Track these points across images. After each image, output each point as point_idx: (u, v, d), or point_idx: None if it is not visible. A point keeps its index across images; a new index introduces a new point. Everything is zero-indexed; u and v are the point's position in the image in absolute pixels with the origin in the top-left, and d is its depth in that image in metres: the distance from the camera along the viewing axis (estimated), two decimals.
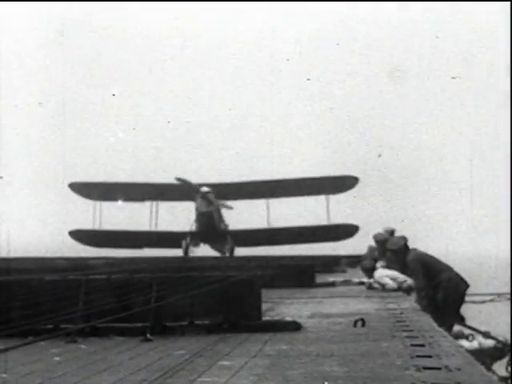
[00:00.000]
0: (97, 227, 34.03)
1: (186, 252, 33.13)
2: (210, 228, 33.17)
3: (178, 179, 32.50)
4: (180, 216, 35.14)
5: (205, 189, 32.69)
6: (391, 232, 17.24)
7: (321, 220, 34.00)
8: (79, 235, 34.18)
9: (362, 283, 17.22)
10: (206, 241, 34.15)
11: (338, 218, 33.86)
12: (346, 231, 33.69)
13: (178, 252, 32.82)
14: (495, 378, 13.85)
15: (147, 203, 34.33)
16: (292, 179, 34.11)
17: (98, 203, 34.06)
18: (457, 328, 14.83)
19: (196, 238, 33.72)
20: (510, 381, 14.90)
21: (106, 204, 34.33)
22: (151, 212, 34.14)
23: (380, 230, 17.76)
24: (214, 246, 34.43)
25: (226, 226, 34.29)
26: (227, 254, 33.41)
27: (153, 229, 34.18)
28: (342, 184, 34.04)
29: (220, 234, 33.71)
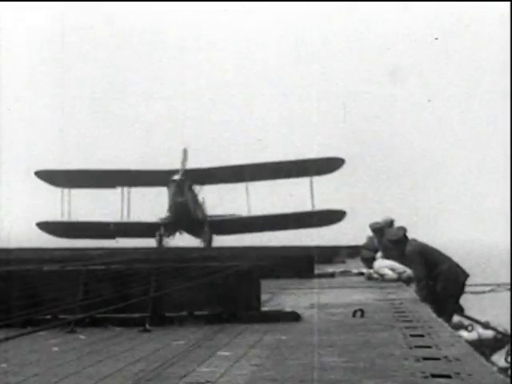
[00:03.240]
0: (66, 216, 32.74)
1: (159, 243, 31.84)
2: (184, 218, 31.78)
3: (184, 150, 31.15)
4: (153, 203, 33.79)
5: (177, 177, 31.29)
6: (390, 222, 17.24)
7: (305, 204, 32.74)
8: (47, 227, 32.95)
9: (361, 274, 17.22)
10: (180, 231, 32.83)
11: (324, 203, 32.74)
12: (332, 217, 32.53)
13: (151, 242, 31.64)
14: (494, 368, 13.84)
15: (118, 191, 33.07)
16: (273, 162, 32.74)
17: (66, 192, 32.76)
18: (456, 318, 14.83)
19: (170, 228, 32.43)
20: (509, 371, 14.91)
21: (74, 192, 33.03)
22: (122, 199, 32.85)
23: (378, 218, 17.81)
24: (192, 233, 33.11)
25: (205, 213, 32.80)
26: (204, 244, 32.17)
27: (125, 217, 32.87)
28: (326, 166, 32.70)
29: (196, 222, 32.35)
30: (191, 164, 32.39)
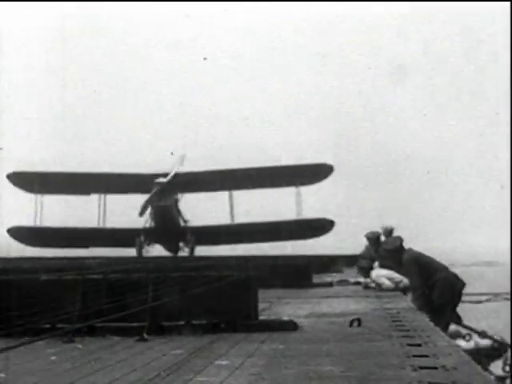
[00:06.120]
0: (38, 223, 30.85)
1: (139, 252, 30.30)
2: (168, 224, 30.36)
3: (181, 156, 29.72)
4: (132, 211, 32.29)
5: (162, 179, 29.76)
6: (390, 231, 17.26)
7: (291, 214, 31.07)
8: (19, 233, 30.83)
9: (358, 283, 17.24)
10: (162, 238, 31.13)
11: (310, 212, 30.96)
12: (319, 227, 31.04)
13: (130, 252, 30.02)
14: (492, 377, 13.87)
15: (95, 196, 31.34)
16: (258, 168, 31.01)
17: (39, 196, 30.95)
18: (453, 327, 14.83)
19: (152, 235, 30.84)
20: (506, 380, 14.91)
21: (48, 197, 31.18)
22: (99, 206, 31.12)
23: (372, 228, 17.86)
24: (169, 246, 31.46)
25: (186, 221, 31.33)
26: (186, 254, 30.68)
27: (101, 225, 31.07)
28: (314, 173, 31.13)
29: (179, 231, 30.97)
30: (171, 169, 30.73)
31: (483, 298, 19.46)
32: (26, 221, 31.14)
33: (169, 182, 29.77)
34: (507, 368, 15.40)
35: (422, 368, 6.40)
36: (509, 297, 18.43)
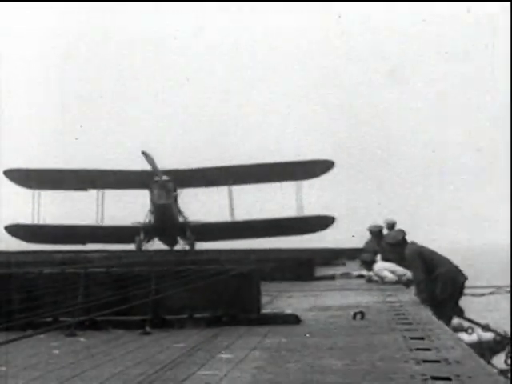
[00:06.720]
0: (36, 219, 30.60)
1: (139, 248, 30.03)
2: (168, 222, 30.17)
3: (143, 153, 28.86)
4: (130, 207, 32.21)
5: (164, 177, 29.52)
6: (392, 225, 17.26)
7: (291, 209, 30.85)
8: (17, 230, 30.80)
9: (361, 276, 17.24)
10: (162, 235, 31.02)
11: (311, 208, 30.75)
12: (320, 223, 30.91)
13: (128, 248, 29.69)
14: (494, 370, 13.83)
15: (93, 193, 31.14)
16: (258, 164, 30.93)
17: (36, 193, 30.74)
18: (456, 321, 14.83)
19: (151, 232, 30.71)
20: (509, 374, 14.90)
21: (46, 194, 31.02)
22: (97, 202, 30.87)
23: (377, 222, 17.86)
24: (167, 241, 31.39)
25: (186, 218, 31.22)
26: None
27: (99, 221, 30.86)
28: (315, 169, 30.97)
29: (178, 228, 30.84)
30: (170, 165, 30.48)
31: (486, 291, 19.44)
32: (24, 217, 31.17)
33: (168, 180, 29.63)
34: (509, 361, 15.39)
35: (424, 361, 6.40)
36: (509, 289, 18.43)
